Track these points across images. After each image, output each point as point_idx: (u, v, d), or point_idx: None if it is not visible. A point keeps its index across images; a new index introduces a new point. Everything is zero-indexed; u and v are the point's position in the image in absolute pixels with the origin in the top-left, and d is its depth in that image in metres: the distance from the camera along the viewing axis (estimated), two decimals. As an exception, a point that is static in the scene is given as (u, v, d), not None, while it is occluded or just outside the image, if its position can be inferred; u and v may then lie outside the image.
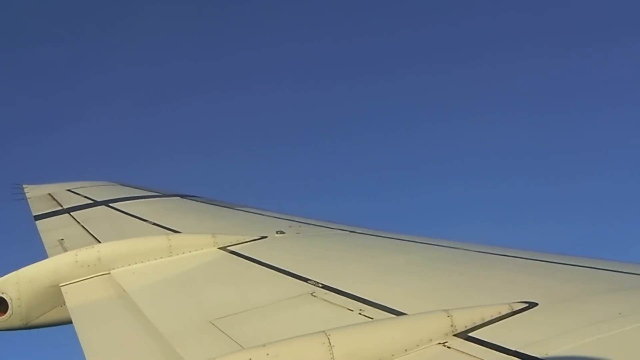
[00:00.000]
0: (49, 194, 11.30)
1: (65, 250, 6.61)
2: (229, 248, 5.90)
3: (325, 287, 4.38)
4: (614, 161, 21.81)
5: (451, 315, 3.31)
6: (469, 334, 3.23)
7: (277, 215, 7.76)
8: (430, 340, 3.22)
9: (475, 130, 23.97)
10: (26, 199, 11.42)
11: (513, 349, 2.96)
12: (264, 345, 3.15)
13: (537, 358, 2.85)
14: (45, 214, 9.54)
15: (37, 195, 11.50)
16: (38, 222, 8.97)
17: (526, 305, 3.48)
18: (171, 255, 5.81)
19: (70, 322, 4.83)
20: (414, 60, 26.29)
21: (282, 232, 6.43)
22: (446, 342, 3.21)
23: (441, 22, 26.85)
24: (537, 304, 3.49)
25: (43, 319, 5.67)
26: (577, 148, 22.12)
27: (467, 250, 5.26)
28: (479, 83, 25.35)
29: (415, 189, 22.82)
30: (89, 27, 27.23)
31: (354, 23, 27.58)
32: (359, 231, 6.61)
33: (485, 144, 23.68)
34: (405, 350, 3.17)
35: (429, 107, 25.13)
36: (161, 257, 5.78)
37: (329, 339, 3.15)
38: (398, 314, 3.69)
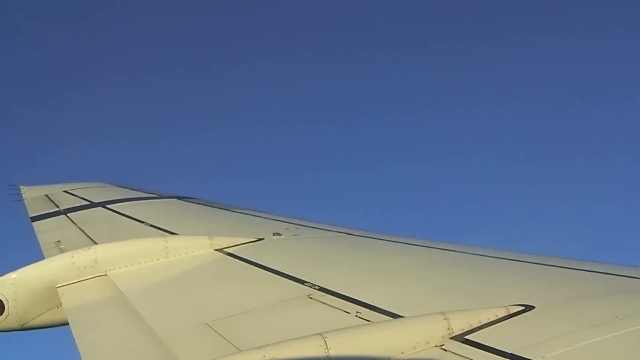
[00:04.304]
0: (46, 195, 11.29)
1: (61, 251, 6.59)
2: (225, 250, 5.89)
3: (322, 289, 4.38)
4: (613, 162, 21.83)
5: (448, 318, 3.31)
6: (466, 337, 3.23)
7: (274, 217, 7.74)
8: (427, 343, 3.22)
9: (473, 131, 23.96)
10: (23, 200, 11.42)
11: (510, 351, 2.96)
12: (261, 348, 3.15)
13: None
14: (42, 215, 9.53)
15: (33, 196, 11.50)
16: (35, 224, 8.95)
17: (523, 308, 3.48)
18: (168, 257, 5.80)
19: (67, 323, 4.82)
20: (413, 59, 26.20)
21: (279, 234, 6.41)
22: (443, 345, 3.21)
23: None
24: (534, 307, 3.50)
25: (39, 320, 5.65)
26: (576, 148, 22.10)
27: (464, 252, 5.26)
28: (479, 81, 25.25)
29: (411, 190, 22.78)
30: (89, 27, 27.18)
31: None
32: (356, 233, 6.61)
33: (483, 144, 23.67)
34: (402, 353, 3.17)
35: (426, 107, 25.10)
36: (158, 259, 5.77)
37: (325, 341, 3.14)
38: (395, 316, 3.69)
